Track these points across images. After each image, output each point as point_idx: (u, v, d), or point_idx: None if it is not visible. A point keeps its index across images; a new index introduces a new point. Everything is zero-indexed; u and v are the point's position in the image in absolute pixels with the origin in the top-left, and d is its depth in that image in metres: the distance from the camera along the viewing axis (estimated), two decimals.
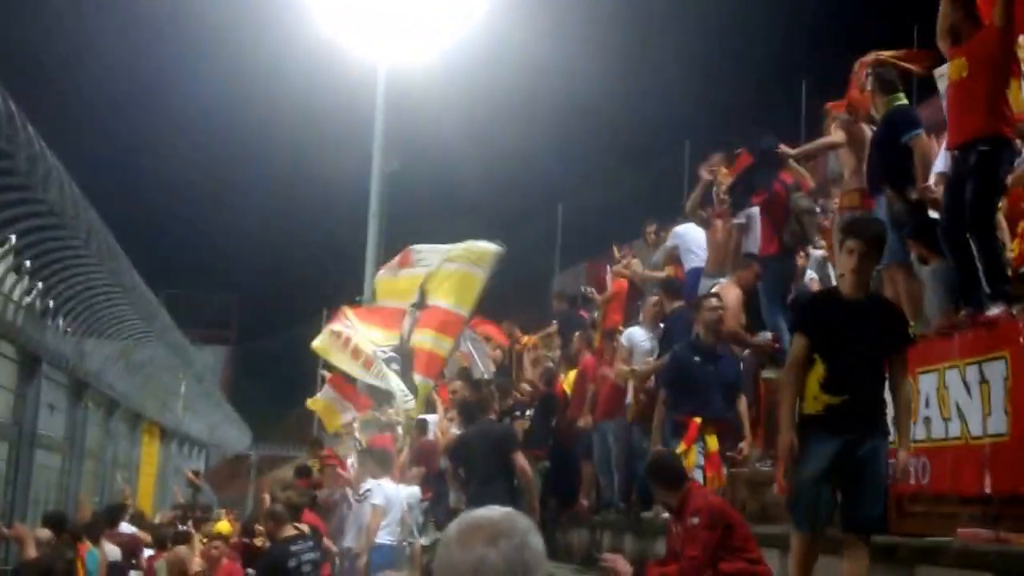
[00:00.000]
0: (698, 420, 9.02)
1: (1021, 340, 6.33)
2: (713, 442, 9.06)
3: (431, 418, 14.44)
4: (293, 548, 9.02)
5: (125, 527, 14.86)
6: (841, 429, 5.90)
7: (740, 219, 11.27)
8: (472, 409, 10.94)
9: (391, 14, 26.51)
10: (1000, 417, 6.36)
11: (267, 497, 12.33)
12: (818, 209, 11.53)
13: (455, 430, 12.04)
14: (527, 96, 34.28)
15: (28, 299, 14.17)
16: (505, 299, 15.86)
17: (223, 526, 13.28)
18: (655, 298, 11.96)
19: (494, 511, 2.49)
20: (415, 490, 13.09)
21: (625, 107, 33.00)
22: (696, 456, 8.92)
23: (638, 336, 11.61)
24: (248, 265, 53.97)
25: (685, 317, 10.64)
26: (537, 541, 2.43)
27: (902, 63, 8.77)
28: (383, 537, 12.41)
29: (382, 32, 26.52)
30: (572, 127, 35.96)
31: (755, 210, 11.09)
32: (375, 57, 27.14)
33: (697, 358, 9.36)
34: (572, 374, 13.57)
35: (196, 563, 10.95)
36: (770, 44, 32.78)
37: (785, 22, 32.88)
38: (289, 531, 9.22)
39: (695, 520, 6.63)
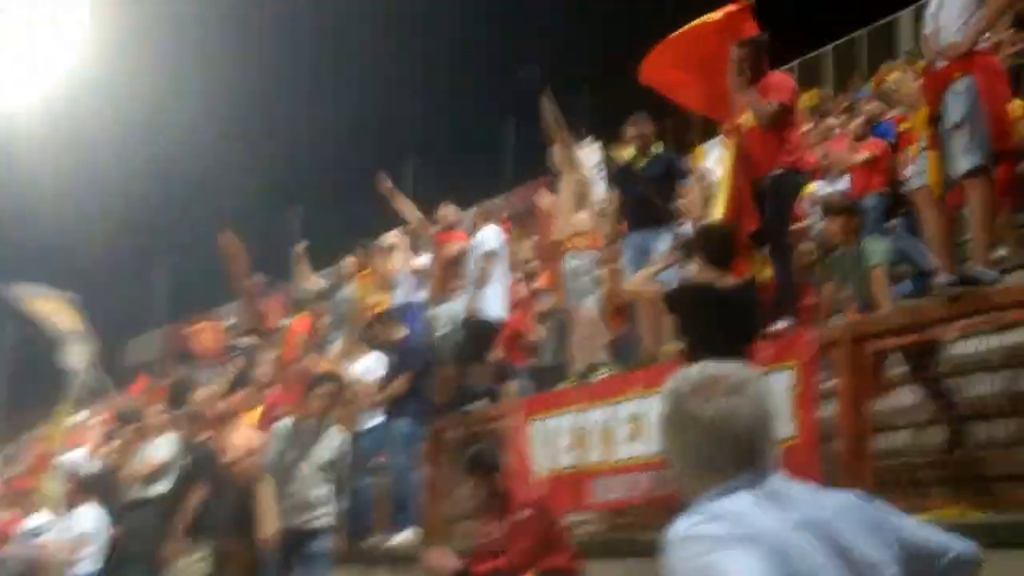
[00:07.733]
0: None
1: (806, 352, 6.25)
2: None
3: None
4: None
5: None
6: None
7: None
8: None
9: None
10: (787, 423, 6.26)
11: None
12: None
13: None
14: (123, 154, 31.34)
15: None
16: None
17: None
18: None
19: (721, 366, 2.10)
20: None
21: (232, 170, 31.29)
22: None
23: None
24: None
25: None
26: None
27: None
28: None
29: None
30: (171, 187, 33.55)
31: None
32: None
33: None
34: None
35: None
36: (377, 110, 32.17)
37: (394, 83, 32.72)
38: None
39: (525, 513, 5.99)
